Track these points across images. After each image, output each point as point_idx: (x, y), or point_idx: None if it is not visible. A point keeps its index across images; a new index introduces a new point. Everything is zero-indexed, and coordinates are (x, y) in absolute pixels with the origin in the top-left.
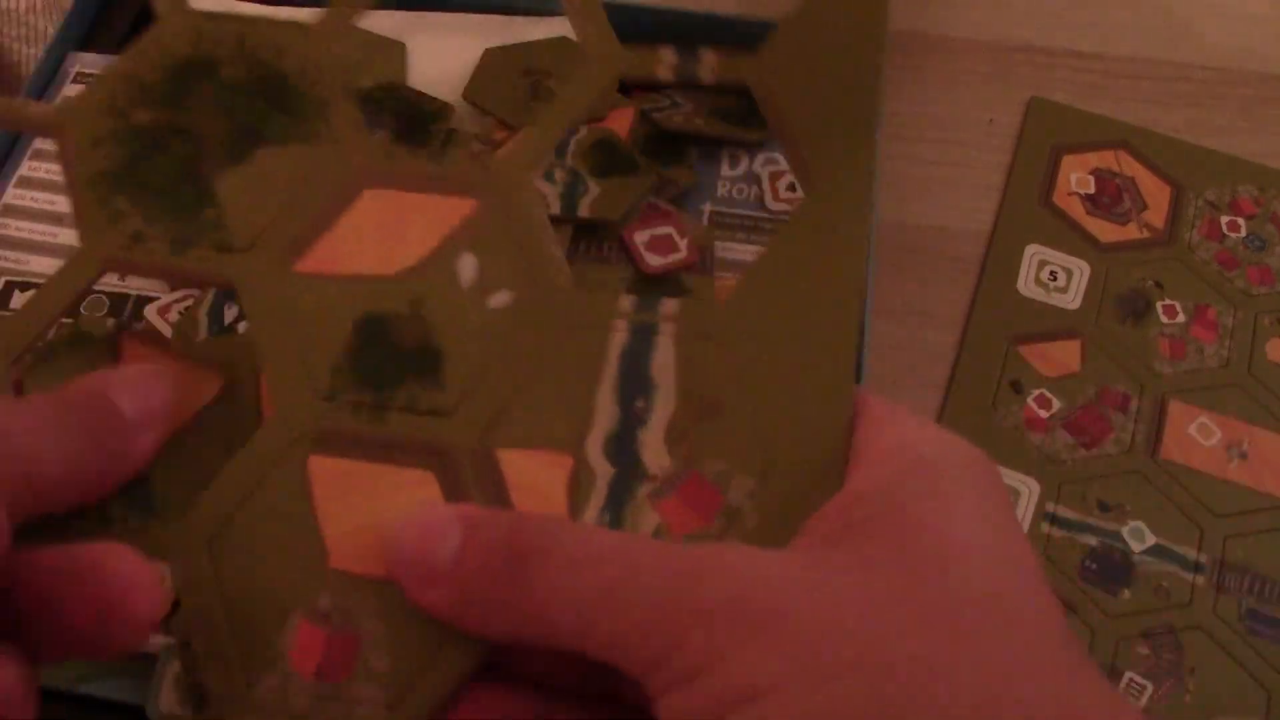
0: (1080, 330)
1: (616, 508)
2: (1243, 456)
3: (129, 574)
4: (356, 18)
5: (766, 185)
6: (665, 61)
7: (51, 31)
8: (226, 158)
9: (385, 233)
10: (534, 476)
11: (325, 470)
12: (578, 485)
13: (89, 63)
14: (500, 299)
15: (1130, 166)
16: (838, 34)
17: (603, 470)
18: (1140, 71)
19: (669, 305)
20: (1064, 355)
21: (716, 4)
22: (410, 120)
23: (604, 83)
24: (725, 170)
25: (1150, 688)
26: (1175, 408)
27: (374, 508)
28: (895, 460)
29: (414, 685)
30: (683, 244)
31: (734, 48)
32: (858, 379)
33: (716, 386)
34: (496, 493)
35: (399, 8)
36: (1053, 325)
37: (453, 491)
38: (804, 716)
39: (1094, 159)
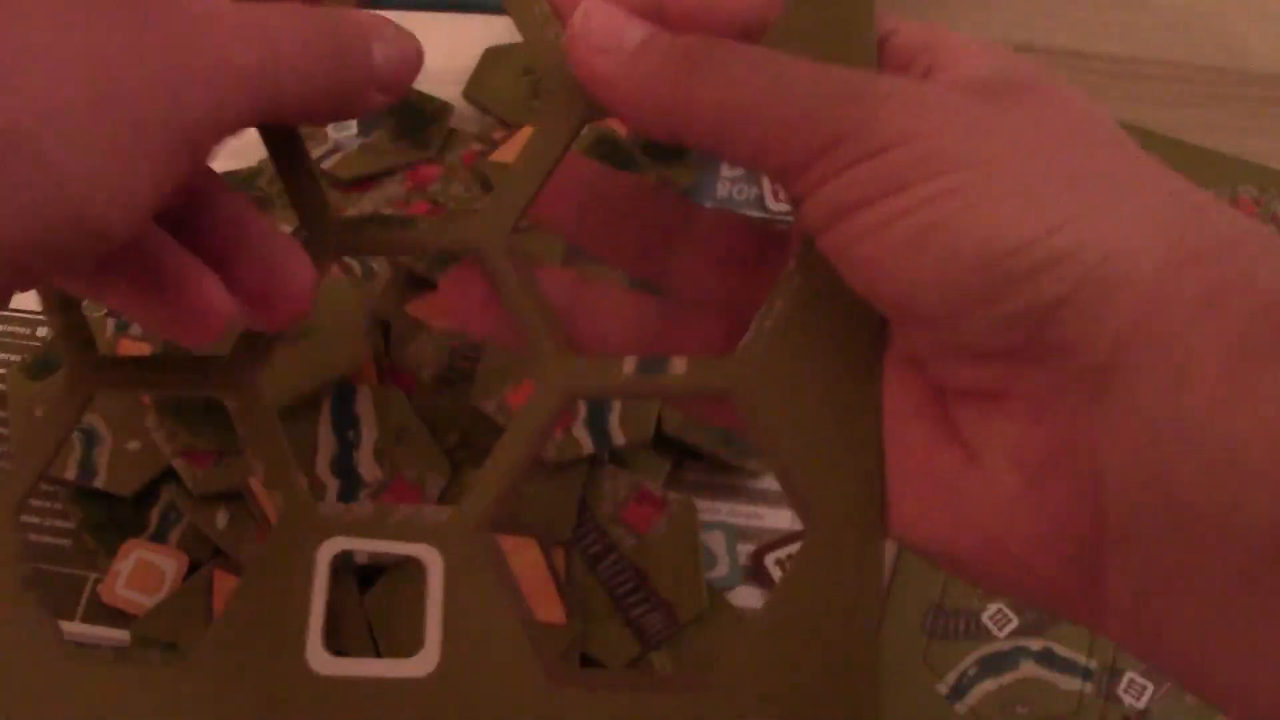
0: None
1: None
2: None
3: (299, 257)
4: None
5: (766, 185)
6: None
7: None
8: None
9: None
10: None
11: None
12: None
13: None
14: None
15: None
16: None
17: None
18: (1140, 71)
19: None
20: None
21: None
22: (410, 120)
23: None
24: (725, 170)
25: (1151, 688)
26: None
27: None
28: (995, 56)
29: None
30: None
31: None
32: None
33: None
34: None
35: (399, 8)
36: None
37: None
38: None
39: None
